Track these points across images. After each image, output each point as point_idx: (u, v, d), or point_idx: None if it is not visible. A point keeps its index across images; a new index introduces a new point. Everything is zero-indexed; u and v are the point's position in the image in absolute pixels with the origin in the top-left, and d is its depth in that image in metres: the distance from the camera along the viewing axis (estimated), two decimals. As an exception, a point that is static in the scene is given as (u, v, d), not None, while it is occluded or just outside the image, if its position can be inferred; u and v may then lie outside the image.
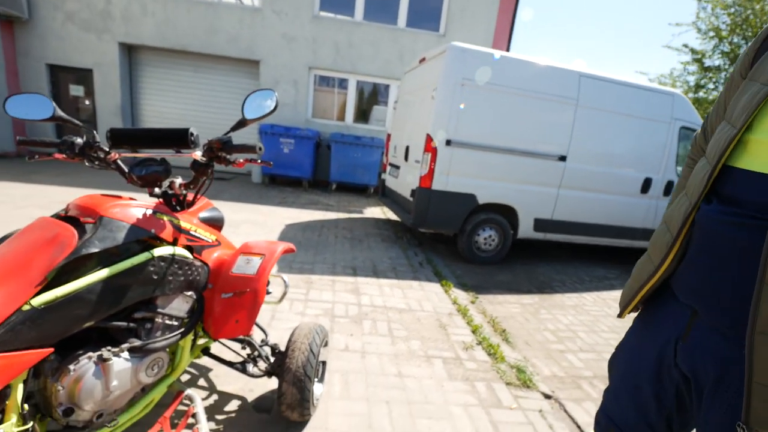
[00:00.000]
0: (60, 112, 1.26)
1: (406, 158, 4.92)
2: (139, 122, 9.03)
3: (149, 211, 1.23)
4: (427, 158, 4.20)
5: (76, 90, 8.63)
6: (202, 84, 8.83)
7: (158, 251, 1.20)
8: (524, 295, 3.67)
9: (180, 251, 1.28)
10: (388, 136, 5.98)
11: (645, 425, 0.92)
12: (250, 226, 4.70)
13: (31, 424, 0.96)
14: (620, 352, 1.03)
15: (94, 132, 1.30)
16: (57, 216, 1.16)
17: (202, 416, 1.34)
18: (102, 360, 1.07)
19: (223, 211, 5.24)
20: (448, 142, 4.14)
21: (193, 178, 1.41)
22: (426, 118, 4.32)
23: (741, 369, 0.67)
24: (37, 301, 0.92)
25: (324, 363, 1.87)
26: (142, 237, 1.17)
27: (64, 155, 1.29)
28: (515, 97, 4.21)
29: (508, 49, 8.78)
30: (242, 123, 1.33)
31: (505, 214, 4.55)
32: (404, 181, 4.92)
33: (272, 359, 1.70)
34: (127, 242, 1.13)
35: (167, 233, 1.26)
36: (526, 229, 4.58)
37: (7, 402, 0.91)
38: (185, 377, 1.92)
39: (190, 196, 1.51)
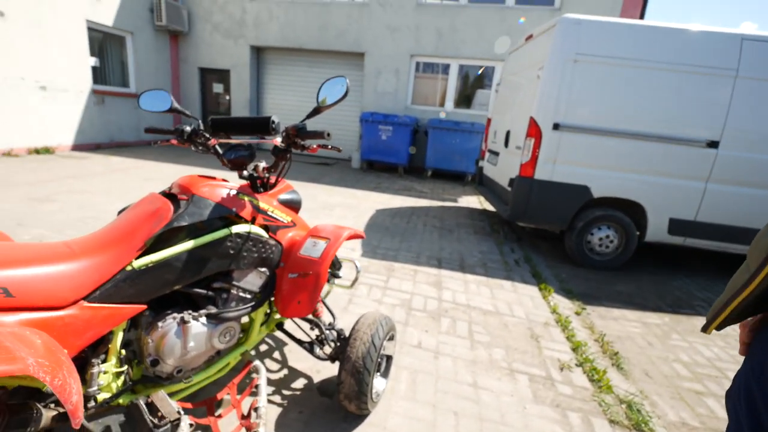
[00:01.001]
0: (176, 105, 1.45)
1: (506, 144, 4.47)
2: (264, 113, 10.14)
3: (233, 192, 1.33)
4: (529, 144, 3.72)
5: (218, 88, 10.07)
6: (314, 77, 9.46)
7: (236, 228, 1.29)
8: (650, 312, 2.99)
9: (256, 229, 1.36)
10: (488, 120, 5.53)
11: None
12: (342, 209, 4.84)
13: (126, 367, 1.12)
14: (736, 384, 0.82)
15: (199, 122, 1.46)
16: (163, 193, 1.32)
17: (263, 389, 1.38)
18: (183, 322, 1.20)
19: (320, 194, 5.53)
20: (556, 126, 3.59)
21: (274, 162, 1.48)
22: (530, 99, 3.82)
23: None
24: (137, 263, 1.07)
25: (389, 357, 1.75)
26: (224, 214, 1.27)
27: (176, 141, 1.46)
28: (647, 71, 3.42)
29: (641, 19, 7.34)
30: (317, 110, 1.38)
31: (629, 212, 3.78)
32: (503, 169, 4.47)
33: (336, 344, 1.66)
34: (211, 218, 1.24)
35: (246, 212, 1.34)
36: (657, 231, 3.74)
37: (109, 345, 1.08)
38: (263, 347, 2.00)
39: (272, 179, 1.56)
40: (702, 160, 3.51)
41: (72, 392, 0.77)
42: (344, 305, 2.51)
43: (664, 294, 3.37)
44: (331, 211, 4.74)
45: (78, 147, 7.40)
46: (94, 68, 7.59)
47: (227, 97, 10.01)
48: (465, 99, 8.68)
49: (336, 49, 8.83)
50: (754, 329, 0.84)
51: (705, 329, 0.86)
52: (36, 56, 6.38)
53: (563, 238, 4.04)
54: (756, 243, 0.77)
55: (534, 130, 3.66)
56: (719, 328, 0.83)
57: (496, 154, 4.85)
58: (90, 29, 7.35)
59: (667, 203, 3.65)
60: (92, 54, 7.51)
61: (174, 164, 6.84)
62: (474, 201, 6.50)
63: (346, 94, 1.32)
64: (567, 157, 3.66)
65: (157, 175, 5.70)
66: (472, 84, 8.59)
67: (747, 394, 0.76)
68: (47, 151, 6.71)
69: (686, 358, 2.37)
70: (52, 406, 0.96)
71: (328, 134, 1.26)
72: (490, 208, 6.07)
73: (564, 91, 3.53)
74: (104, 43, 7.86)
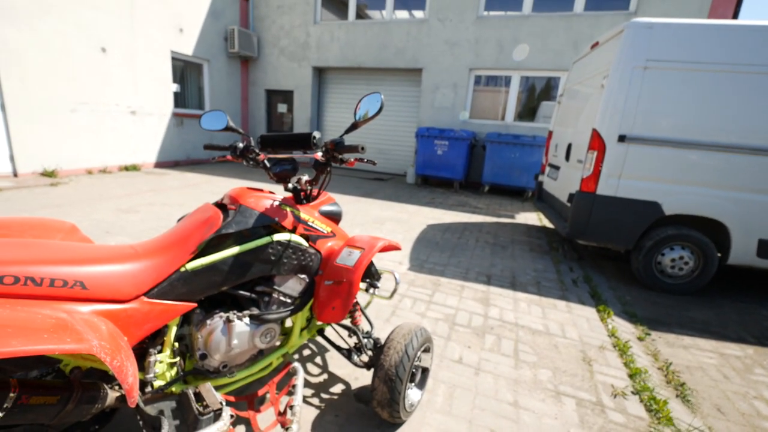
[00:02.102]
0: (231, 123, 1.61)
1: (567, 158, 4.27)
2: (323, 131, 10.68)
3: (276, 203, 1.45)
4: (591, 157, 3.52)
5: (282, 108, 10.83)
6: (372, 95, 9.79)
7: (277, 236, 1.40)
8: (730, 343, 2.65)
9: (296, 238, 1.46)
10: (550, 133, 5.31)
11: None
12: (393, 224, 4.92)
13: (178, 359, 1.26)
14: None
15: (251, 138, 1.61)
16: (216, 203, 1.48)
17: (299, 389, 1.43)
18: (228, 321, 1.31)
19: (372, 208, 5.67)
20: (622, 138, 3.37)
21: (315, 175, 1.59)
22: (593, 110, 3.63)
23: None
24: (190, 265, 1.21)
25: (425, 369, 1.76)
26: (267, 223, 1.39)
27: (231, 156, 1.63)
28: (730, 75, 3.10)
29: (736, 17, 6.62)
30: (354, 126, 1.46)
31: (708, 231, 3.41)
32: (563, 184, 4.27)
33: (372, 352, 1.70)
34: (255, 227, 1.36)
35: (288, 222, 1.45)
36: (742, 254, 3.31)
37: (165, 338, 1.21)
38: (306, 352, 2.11)
39: (315, 192, 1.68)
40: (799, 174, 3.08)
41: (128, 374, 0.88)
42: (387, 317, 2.56)
43: (749, 323, 2.96)
44: (381, 225, 4.85)
45: (159, 164, 8.35)
46: (175, 93, 8.57)
47: (290, 116, 10.71)
48: (529, 111, 8.42)
49: (394, 66, 9.08)
50: None
51: None
52: (128, 85, 7.37)
53: (629, 259, 3.73)
54: None
55: (597, 143, 3.47)
56: None
57: (557, 168, 4.64)
58: (173, 59, 8.35)
59: (755, 222, 3.23)
60: (174, 81, 8.49)
61: (241, 179, 7.44)
62: (533, 218, 6.24)
63: (381, 110, 1.39)
64: (634, 171, 3.41)
65: (224, 190, 6.26)
66: (535, 95, 8.32)
67: None
68: (134, 168, 7.65)
69: (772, 398, 2.06)
70: (117, 388, 1.12)
71: (363, 148, 1.34)
72: (550, 225, 5.78)
73: (631, 101, 3.31)
74: (185, 71, 8.88)
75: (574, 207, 3.65)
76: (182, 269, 1.19)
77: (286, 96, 10.59)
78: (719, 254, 3.43)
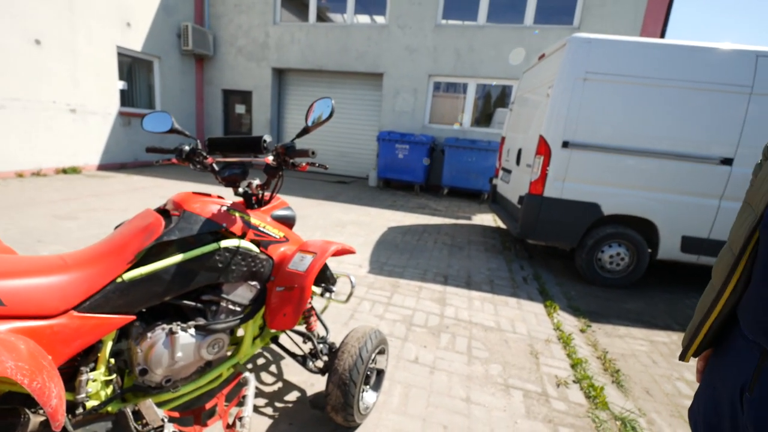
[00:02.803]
0: (176, 125, 1.52)
1: (518, 162, 4.50)
2: (283, 134, 10.50)
3: (224, 208, 1.39)
4: (539, 162, 3.75)
5: (240, 109, 10.53)
6: (334, 97, 9.73)
7: (225, 243, 1.34)
8: (659, 330, 2.92)
9: (246, 244, 1.40)
10: (503, 139, 5.57)
11: None
12: (354, 227, 4.94)
13: (115, 375, 1.17)
14: (696, 403, 0.85)
15: (197, 141, 1.53)
16: (158, 209, 1.39)
17: (249, 400, 1.39)
18: (171, 332, 1.23)
19: (334, 211, 5.66)
20: (565, 144, 3.62)
21: (267, 179, 1.55)
22: (540, 117, 3.87)
23: None
24: (127, 276, 1.13)
25: (381, 371, 1.79)
26: (213, 229, 1.32)
27: (176, 159, 1.55)
28: (658, 89, 3.43)
29: (662, 36, 7.30)
30: (306, 130, 1.44)
31: (641, 229, 3.73)
32: (514, 187, 4.50)
33: (327, 357, 1.70)
34: (201, 233, 1.29)
35: (236, 227, 1.39)
36: (669, 249, 3.66)
37: (99, 354, 1.12)
38: (260, 360, 2.08)
39: (266, 196, 1.64)
40: (716, 178, 3.45)
41: (51, 396, 0.81)
42: (345, 320, 2.58)
43: (675, 312, 3.28)
44: (342, 228, 4.86)
45: (104, 167, 7.82)
46: (122, 91, 8.07)
47: (249, 117, 10.43)
48: (485, 117, 8.76)
49: (355, 70, 9.12)
50: (704, 358, 0.87)
51: (682, 357, 0.85)
52: (67, 80, 6.83)
53: (574, 256, 4.00)
54: (719, 261, 0.78)
55: (543, 148, 3.70)
56: (696, 354, 0.83)
57: (509, 172, 4.88)
58: (120, 54, 7.85)
59: (680, 221, 3.58)
60: (121, 78, 8.00)
61: (194, 183, 7.16)
62: (488, 219, 6.49)
63: (332, 114, 1.40)
64: (577, 175, 3.67)
65: (174, 194, 5.98)
66: (491, 102, 8.68)
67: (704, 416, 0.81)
68: (74, 170, 7.10)
69: (690, 377, 2.31)
70: (41, 412, 1.00)
71: (313, 152, 1.34)
72: (504, 226, 6.05)
73: (573, 109, 3.56)
74: (132, 67, 8.39)
75: (523, 208, 3.86)
76: (118, 280, 1.11)
77: (245, 96, 10.32)
78: (650, 250, 3.76)
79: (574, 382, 2.11)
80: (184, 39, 9.09)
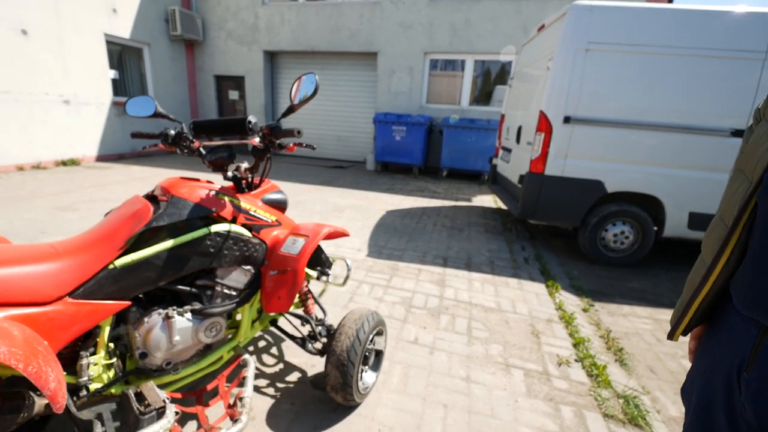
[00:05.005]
0: (160, 109, 1.49)
1: (518, 140, 4.39)
2: (277, 118, 10.34)
3: (213, 193, 1.37)
4: (539, 139, 3.64)
5: (233, 95, 10.35)
6: (328, 79, 9.56)
7: (215, 227, 1.33)
8: (664, 309, 2.88)
9: (237, 228, 1.39)
10: (502, 117, 5.44)
11: None
12: (352, 211, 4.88)
13: (116, 359, 1.19)
14: (689, 383, 0.82)
15: (183, 125, 1.51)
16: (146, 195, 1.37)
17: (249, 381, 1.41)
18: (167, 317, 1.25)
19: (332, 196, 5.59)
20: (567, 119, 3.50)
21: (255, 162, 1.52)
22: (540, 92, 3.75)
23: None
24: (119, 262, 1.13)
25: (379, 352, 1.77)
26: (203, 214, 1.31)
27: (162, 144, 1.51)
28: (666, 58, 3.28)
29: (670, 1, 7.05)
30: (291, 109, 1.41)
31: (646, 206, 3.65)
32: (515, 166, 4.40)
33: (325, 339, 1.68)
34: (190, 218, 1.28)
35: (227, 212, 1.38)
36: (676, 227, 3.58)
37: (98, 339, 1.14)
38: (261, 343, 2.06)
39: (256, 180, 1.61)
40: (726, 151, 3.34)
41: (49, 379, 0.83)
42: (345, 303, 2.55)
43: (681, 290, 3.23)
44: (340, 213, 4.80)
45: (102, 158, 7.76)
46: (114, 80, 7.92)
47: (243, 103, 10.26)
48: (484, 96, 8.57)
49: (348, 50, 8.90)
50: (696, 337, 0.83)
51: (671, 336, 0.82)
52: (58, 71, 6.70)
53: (577, 236, 3.94)
54: (708, 234, 0.75)
55: (544, 125, 3.59)
56: (685, 332, 0.80)
57: (509, 151, 4.77)
58: (108, 42, 7.66)
59: (687, 197, 3.49)
60: (111, 67, 7.83)
61: (194, 172, 7.09)
62: (488, 200, 6.42)
63: (316, 91, 1.35)
64: (579, 152, 3.56)
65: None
66: (490, 80, 8.47)
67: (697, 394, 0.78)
68: (73, 162, 7.06)
69: (696, 356, 2.26)
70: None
71: (299, 132, 1.29)
72: (504, 207, 5.97)
73: (575, 83, 3.44)
74: (123, 56, 8.20)
75: (524, 188, 3.78)
76: (110, 266, 1.11)
77: (238, 82, 10.13)
78: (656, 228, 3.69)
79: (576, 360, 2.07)
80: (172, 24, 8.85)
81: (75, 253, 1.08)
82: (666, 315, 2.76)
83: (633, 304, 2.91)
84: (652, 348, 2.32)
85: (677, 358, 2.23)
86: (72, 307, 1.03)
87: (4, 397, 0.94)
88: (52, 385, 0.83)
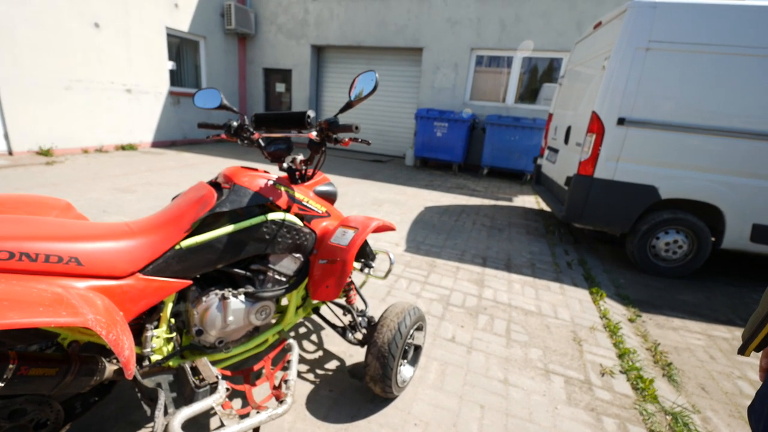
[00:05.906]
0: (225, 102, 1.60)
1: (566, 141, 4.24)
2: (321, 112, 10.56)
3: (271, 182, 1.45)
4: (590, 140, 3.50)
5: (280, 87, 10.66)
6: (372, 75, 9.60)
7: (272, 215, 1.41)
8: (718, 325, 2.70)
9: (291, 218, 1.47)
10: (550, 116, 5.26)
11: None
12: (391, 206, 4.92)
13: (175, 334, 1.29)
14: (759, 402, 0.77)
15: (245, 117, 1.60)
16: (210, 182, 1.48)
17: (294, 365, 1.47)
18: (223, 298, 1.34)
19: (371, 190, 5.66)
20: (621, 121, 3.34)
21: (310, 155, 1.58)
22: (594, 92, 3.59)
23: None
24: (185, 243, 1.22)
25: (418, 347, 1.80)
26: (261, 202, 1.39)
27: (225, 135, 1.62)
28: (734, 58, 3.05)
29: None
30: (349, 105, 1.44)
31: (703, 215, 3.42)
32: (561, 168, 4.25)
33: (366, 330, 1.73)
34: (249, 205, 1.37)
35: (282, 201, 1.46)
36: (736, 238, 3.34)
37: (161, 314, 1.24)
38: (302, 330, 2.15)
39: (309, 171, 1.67)
40: (799, 159, 3.07)
41: (124, 347, 0.91)
42: (383, 296, 2.60)
43: (739, 307, 3.01)
44: (379, 207, 4.86)
45: (156, 144, 8.27)
46: (171, 71, 8.40)
47: (288, 96, 10.55)
48: (530, 93, 8.30)
49: (394, 45, 8.90)
50: None
51: (742, 351, 0.78)
52: (123, 62, 7.22)
53: (625, 242, 3.76)
54: None
55: (596, 126, 3.44)
56: (759, 348, 0.76)
57: (556, 151, 4.62)
58: (169, 35, 8.15)
59: (751, 207, 3.24)
60: (170, 58, 8.31)
61: (239, 160, 7.40)
62: (531, 201, 6.25)
63: (375, 88, 1.38)
64: (632, 155, 3.40)
65: (225, 168, 6.22)
66: (537, 77, 8.18)
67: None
68: (131, 147, 7.58)
69: (754, 376, 2.12)
70: (114, 361, 1.15)
71: (357, 127, 1.34)
72: (547, 208, 5.79)
73: (632, 83, 3.27)
74: (180, 48, 8.68)
75: (571, 190, 3.66)
76: (177, 247, 1.20)
77: (285, 75, 10.41)
78: (713, 239, 3.45)
79: (620, 372, 2.01)
80: (227, 18, 9.24)
81: (147, 232, 1.17)
82: (721, 332, 2.60)
83: (684, 318, 2.75)
84: (704, 365, 2.19)
85: (733, 378, 2.10)
86: (143, 282, 1.12)
87: (82, 361, 1.04)
88: (127, 353, 0.90)
